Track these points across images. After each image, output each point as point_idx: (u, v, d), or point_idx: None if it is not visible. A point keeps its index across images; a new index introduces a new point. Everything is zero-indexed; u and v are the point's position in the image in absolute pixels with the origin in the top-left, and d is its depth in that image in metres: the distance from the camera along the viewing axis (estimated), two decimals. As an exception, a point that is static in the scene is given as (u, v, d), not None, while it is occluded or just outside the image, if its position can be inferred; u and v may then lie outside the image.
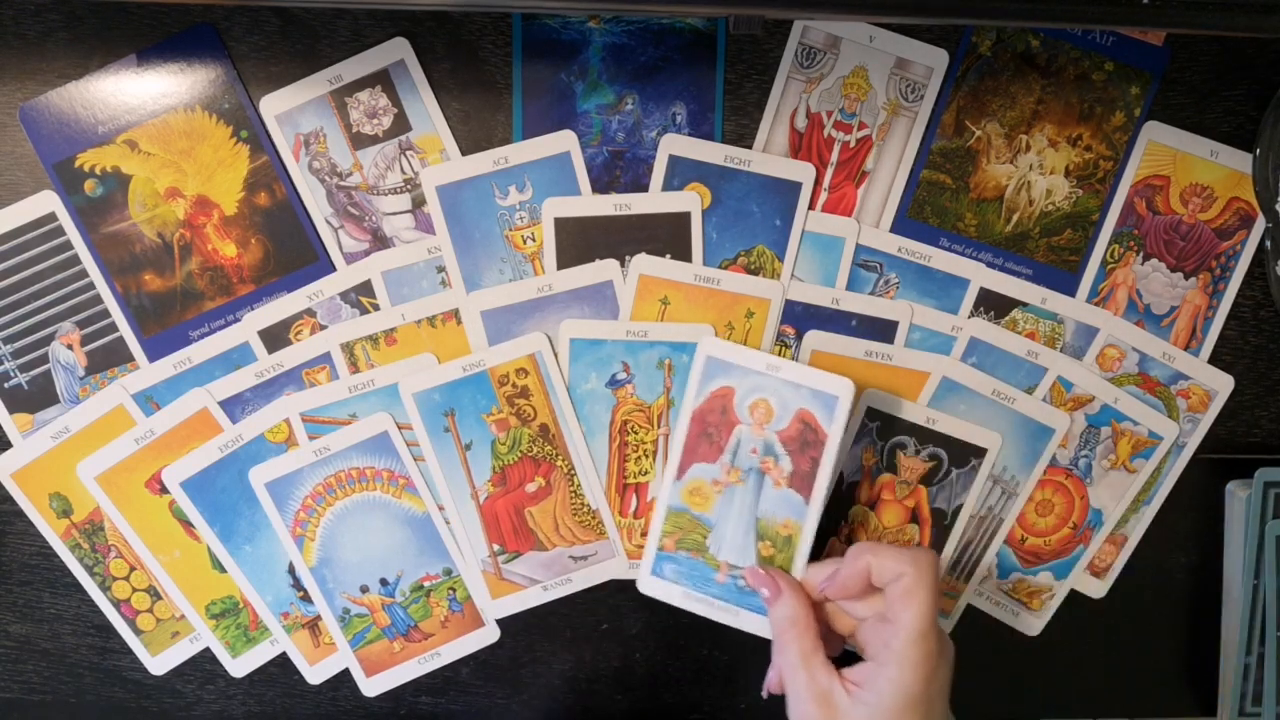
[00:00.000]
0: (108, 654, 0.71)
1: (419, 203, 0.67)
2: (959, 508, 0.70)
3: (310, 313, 0.67)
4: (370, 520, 0.69)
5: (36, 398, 0.67)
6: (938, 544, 0.71)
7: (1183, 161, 0.68)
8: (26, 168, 0.65)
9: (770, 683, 0.62)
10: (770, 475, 0.66)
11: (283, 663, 0.71)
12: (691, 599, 0.68)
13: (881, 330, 0.69)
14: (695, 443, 0.67)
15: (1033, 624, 0.73)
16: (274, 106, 0.65)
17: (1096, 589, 0.73)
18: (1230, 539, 0.72)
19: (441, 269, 0.67)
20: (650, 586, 0.69)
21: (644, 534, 0.71)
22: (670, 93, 0.66)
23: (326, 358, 0.68)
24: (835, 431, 0.64)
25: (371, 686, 0.72)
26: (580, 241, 0.68)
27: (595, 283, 0.68)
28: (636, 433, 0.69)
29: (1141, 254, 0.69)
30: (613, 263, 0.68)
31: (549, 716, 0.74)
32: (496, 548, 0.70)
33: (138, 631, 0.70)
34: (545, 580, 0.71)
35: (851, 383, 0.63)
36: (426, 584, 0.70)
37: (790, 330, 0.68)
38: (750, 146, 0.67)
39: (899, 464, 0.70)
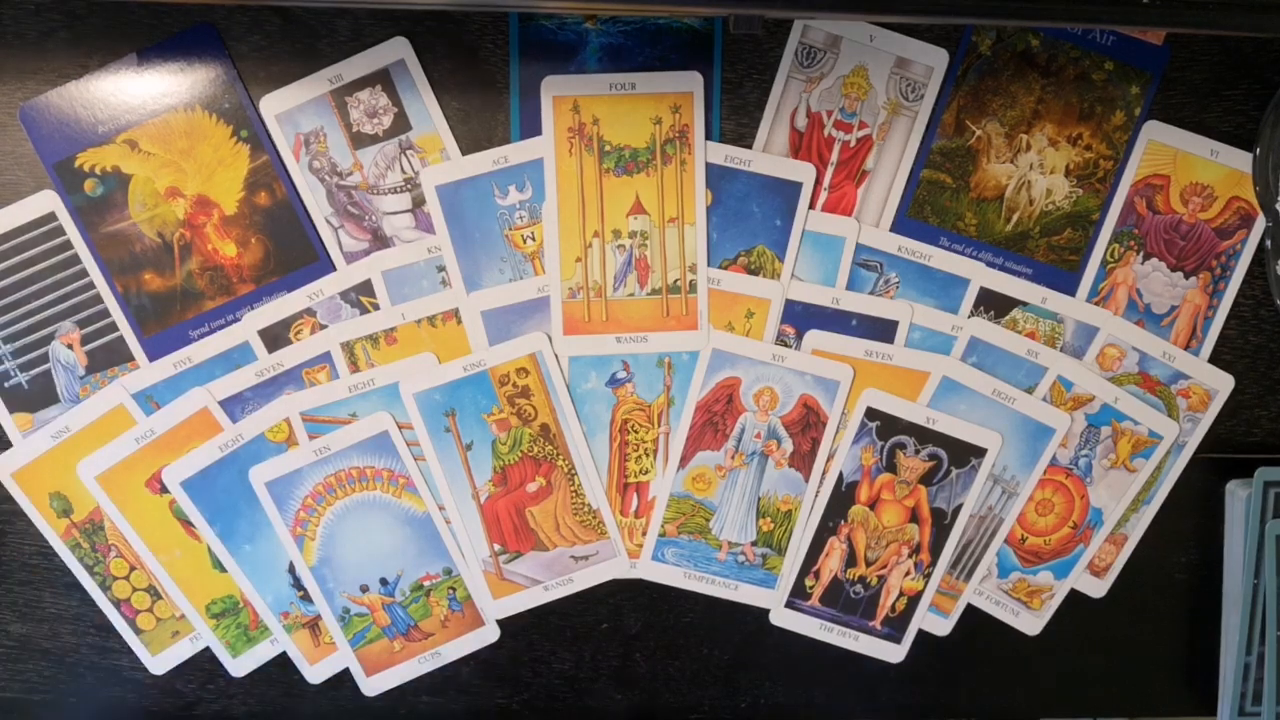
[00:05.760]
0: (108, 654, 0.71)
1: (419, 202, 0.67)
2: (959, 507, 0.70)
3: (310, 312, 0.67)
4: (370, 520, 0.69)
5: (36, 397, 0.67)
6: (937, 544, 0.71)
7: (1183, 161, 0.68)
8: (26, 167, 0.65)
9: None
10: (772, 457, 0.69)
11: (283, 662, 0.71)
12: (692, 578, 0.70)
13: (881, 330, 0.69)
14: (699, 432, 0.69)
15: (1033, 624, 0.73)
16: (274, 106, 0.65)
17: (1096, 589, 0.73)
18: (1230, 539, 0.72)
19: (441, 269, 0.67)
20: (651, 571, 0.70)
21: (645, 533, 0.71)
22: (670, 92, 0.67)
23: (326, 357, 0.68)
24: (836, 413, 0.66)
25: (371, 686, 0.72)
26: (580, 241, 0.68)
27: (595, 282, 0.68)
28: (637, 431, 0.69)
29: (1141, 253, 0.69)
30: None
31: (549, 716, 0.74)
32: (498, 547, 0.70)
33: (138, 631, 0.70)
34: (546, 580, 0.71)
35: (852, 368, 0.66)
36: (426, 583, 0.70)
37: (790, 330, 0.68)
38: (750, 146, 0.67)
39: (899, 464, 0.70)
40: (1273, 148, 0.67)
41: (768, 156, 0.67)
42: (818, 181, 0.67)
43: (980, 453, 0.69)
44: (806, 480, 0.70)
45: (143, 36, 0.64)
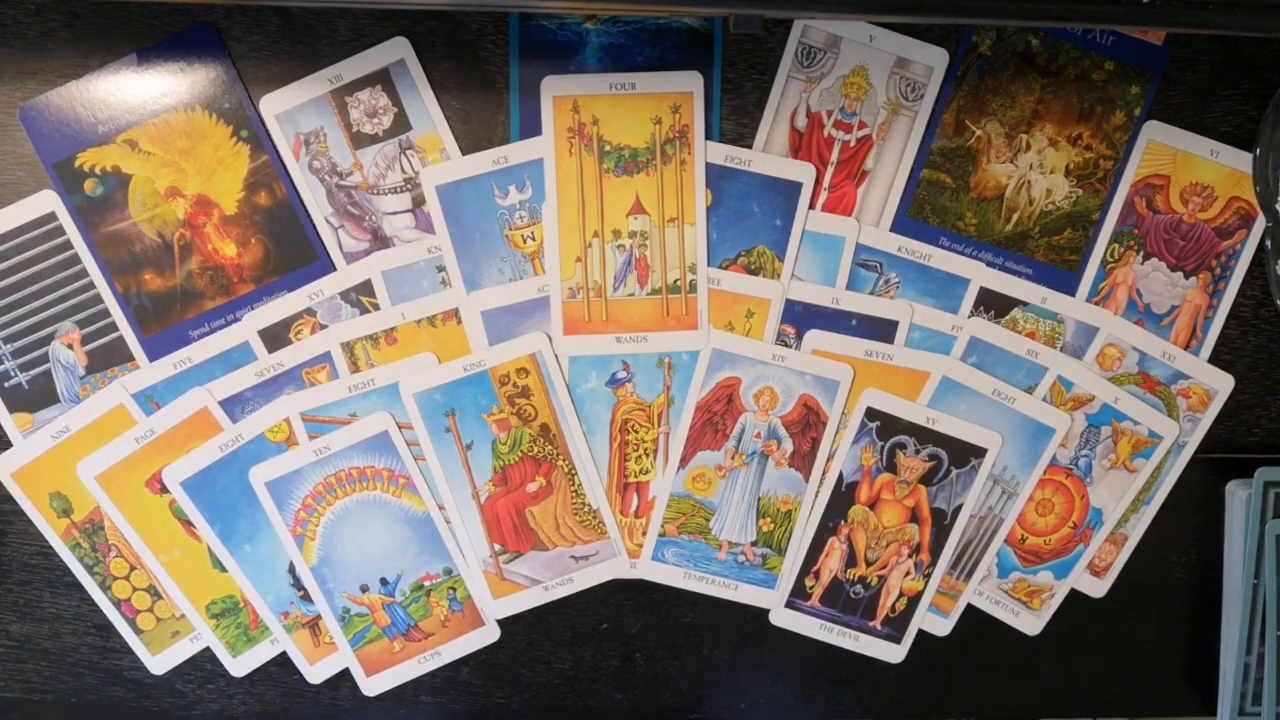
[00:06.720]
0: (108, 653, 0.71)
1: (419, 202, 0.67)
2: (959, 508, 0.70)
3: (310, 312, 0.67)
4: (370, 520, 0.69)
5: (37, 397, 0.67)
6: (937, 544, 0.71)
7: (1183, 161, 0.68)
8: (26, 167, 0.65)
9: None
10: (772, 457, 0.69)
11: (283, 662, 0.71)
12: (692, 578, 0.70)
13: (881, 330, 0.69)
14: (699, 432, 0.69)
15: (1033, 624, 0.73)
16: (274, 106, 0.65)
17: (1096, 589, 0.73)
18: (1230, 539, 0.72)
19: (441, 269, 0.67)
20: (651, 571, 0.70)
21: (645, 533, 0.71)
22: (670, 92, 0.67)
23: (326, 357, 0.68)
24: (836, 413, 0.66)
25: (372, 686, 0.72)
26: (580, 241, 0.68)
27: (595, 282, 0.68)
28: (637, 431, 0.69)
29: (1141, 253, 0.69)
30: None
31: (549, 716, 0.74)
32: (498, 547, 0.70)
33: (138, 631, 0.70)
34: (547, 580, 0.71)
35: (852, 368, 0.67)
36: (426, 583, 0.70)
37: (790, 330, 0.69)
38: (750, 146, 0.67)
39: (899, 464, 0.70)
40: (1273, 148, 0.67)
41: (768, 156, 0.67)
42: (818, 181, 0.67)
43: (980, 453, 0.69)
44: (806, 480, 0.70)
45: (143, 36, 0.64)
